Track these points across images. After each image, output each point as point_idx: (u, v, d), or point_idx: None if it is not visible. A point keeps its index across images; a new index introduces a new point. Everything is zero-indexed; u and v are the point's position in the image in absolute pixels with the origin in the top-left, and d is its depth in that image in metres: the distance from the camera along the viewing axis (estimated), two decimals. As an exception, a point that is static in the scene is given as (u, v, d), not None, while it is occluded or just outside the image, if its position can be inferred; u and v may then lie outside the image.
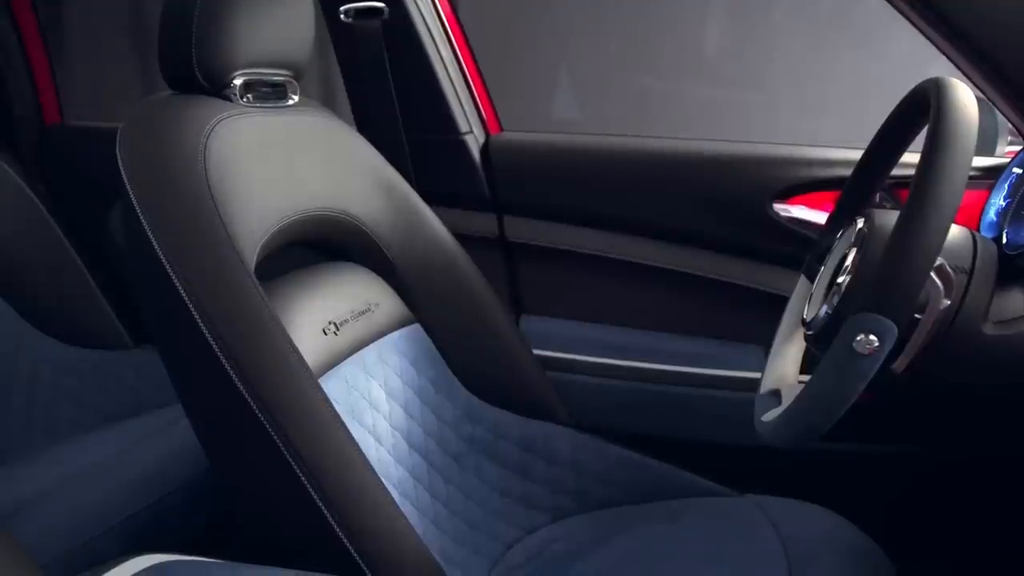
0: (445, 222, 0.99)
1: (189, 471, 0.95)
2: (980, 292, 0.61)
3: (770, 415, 0.68)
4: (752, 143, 1.07)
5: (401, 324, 0.93)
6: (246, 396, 0.65)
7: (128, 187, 0.70)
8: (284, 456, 0.65)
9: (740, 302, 1.04)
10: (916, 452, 0.99)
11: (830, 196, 0.98)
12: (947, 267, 0.59)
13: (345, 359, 0.82)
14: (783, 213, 1.01)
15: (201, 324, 0.66)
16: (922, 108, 0.63)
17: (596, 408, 1.05)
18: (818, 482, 0.94)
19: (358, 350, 0.85)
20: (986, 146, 1.00)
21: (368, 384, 0.85)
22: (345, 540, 0.65)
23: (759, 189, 1.01)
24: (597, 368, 1.08)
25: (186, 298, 0.66)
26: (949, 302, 0.59)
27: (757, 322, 0.97)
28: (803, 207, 1.00)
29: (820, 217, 0.98)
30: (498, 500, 0.96)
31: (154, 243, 0.68)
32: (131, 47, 1.57)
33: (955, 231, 0.65)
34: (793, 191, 1.00)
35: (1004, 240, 0.66)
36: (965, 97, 0.58)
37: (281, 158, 0.82)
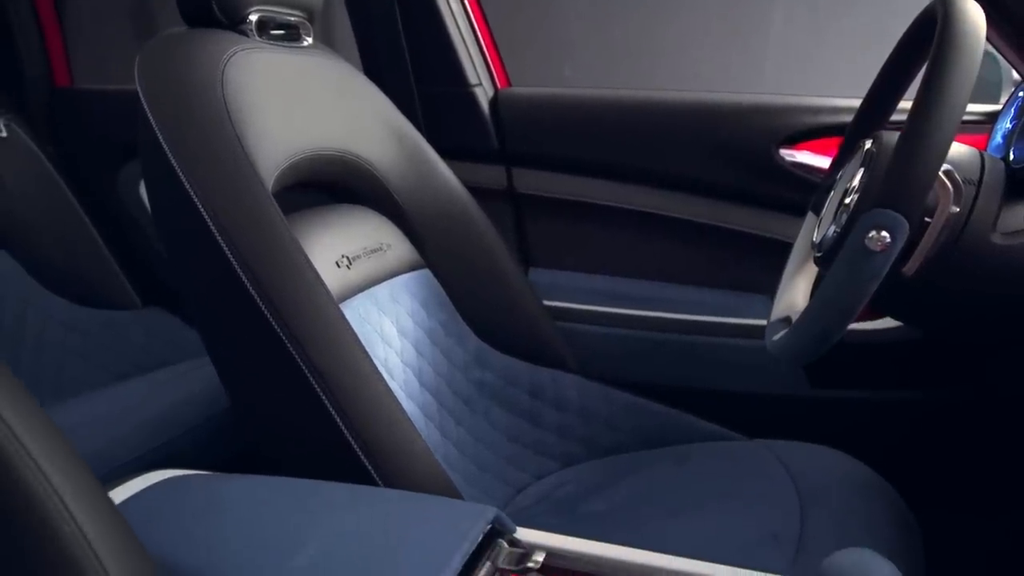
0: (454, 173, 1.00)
1: (200, 415, 0.96)
2: (988, 203, 0.62)
3: (781, 334, 0.68)
4: (757, 94, 1.08)
5: (412, 268, 0.94)
6: (265, 312, 0.65)
7: (148, 112, 0.71)
8: (302, 370, 0.65)
9: (747, 250, 1.05)
10: (926, 397, 0.99)
11: (835, 143, 0.99)
12: (955, 175, 0.60)
13: (358, 293, 0.83)
14: (788, 158, 1.02)
15: (220, 240, 0.66)
16: (931, 28, 0.64)
17: (604, 357, 1.06)
18: (827, 428, 0.94)
19: (371, 286, 0.85)
20: (990, 94, 1.01)
21: (380, 319, 0.85)
22: (362, 456, 0.66)
23: (764, 135, 1.02)
24: (605, 317, 1.09)
25: (207, 217, 0.67)
26: (958, 209, 0.60)
27: (764, 270, 0.98)
28: (808, 152, 1.01)
29: (825, 163, 0.99)
30: (508, 446, 0.97)
31: (175, 165, 0.69)
32: (141, 11, 1.59)
33: (962, 149, 0.66)
34: (798, 137, 1.01)
35: (1011, 157, 0.67)
36: (971, 4, 0.59)
37: (294, 96, 0.83)
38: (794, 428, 0.93)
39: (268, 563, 0.50)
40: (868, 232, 0.55)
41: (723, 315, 1.05)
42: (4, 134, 1.21)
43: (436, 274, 0.95)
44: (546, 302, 1.05)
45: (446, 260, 0.96)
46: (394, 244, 0.92)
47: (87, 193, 1.29)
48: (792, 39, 1.61)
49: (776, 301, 0.79)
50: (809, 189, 0.97)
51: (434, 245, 0.95)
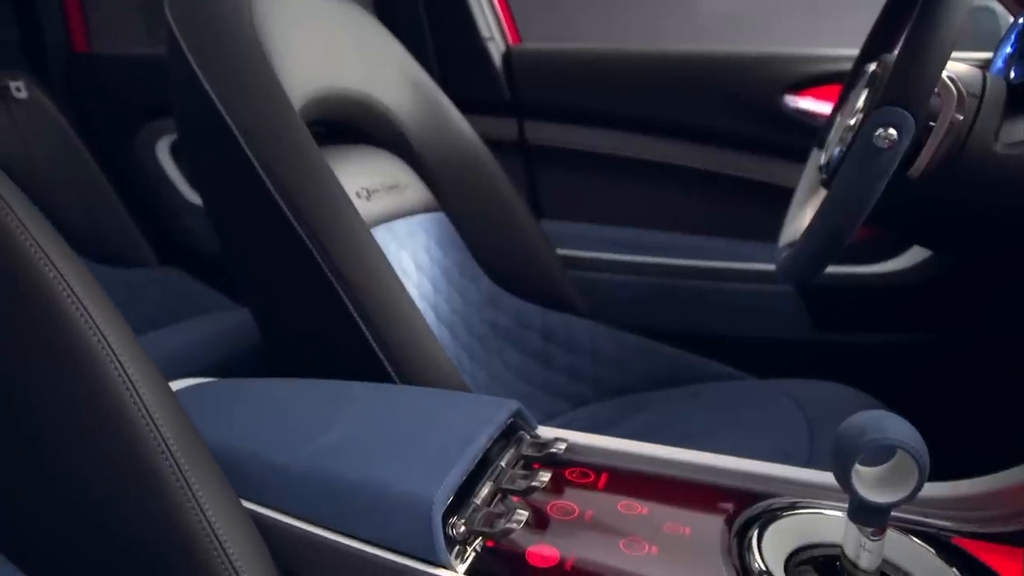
0: (466, 126, 1.02)
1: (220, 355, 0.98)
2: (990, 114, 0.64)
3: (790, 252, 0.70)
4: (761, 46, 1.10)
5: (427, 209, 0.96)
6: (294, 224, 0.67)
7: (182, 43, 0.73)
8: (329, 279, 0.67)
9: (754, 197, 1.07)
10: (929, 339, 1.01)
11: (838, 89, 1.01)
12: (959, 82, 0.62)
13: (377, 225, 0.85)
14: (792, 105, 1.04)
15: (252, 158, 0.68)
16: None
17: (614, 303, 1.08)
18: (832, 368, 0.96)
19: (389, 221, 0.88)
20: (988, 45, 1.03)
21: (399, 253, 0.88)
22: (386, 363, 0.67)
23: (769, 84, 1.04)
24: (615, 265, 1.11)
25: (240, 138, 0.69)
26: (962, 117, 0.62)
27: (770, 217, 1.00)
28: (812, 99, 1.03)
29: (829, 109, 1.01)
30: (521, 386, 0.99)
31: (209, 92, 0.71)
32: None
33: (964, 66, 0.68)
34: (803, 84, 1.04)
35: (1011, 76, 0.70)
36: None
37: (317, 33, 0.86)
38: (801, 369, 0.95)
39: (298, 442, 0.52)
40: (875, 131, 0.57)
41: (731, 261, 1.07)
42: (24, 95, 1.24)
43: (451, 218, 0.98)
44: (558, 250, 1.07)
45: (460, 205, 0.98)
46: (411, 185, 0.94)
47: (105, 155, 1.32)
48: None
49: (783, 230, 0.81)
50: (813, 134, 1.00)
51: (449, 190, 0.98)
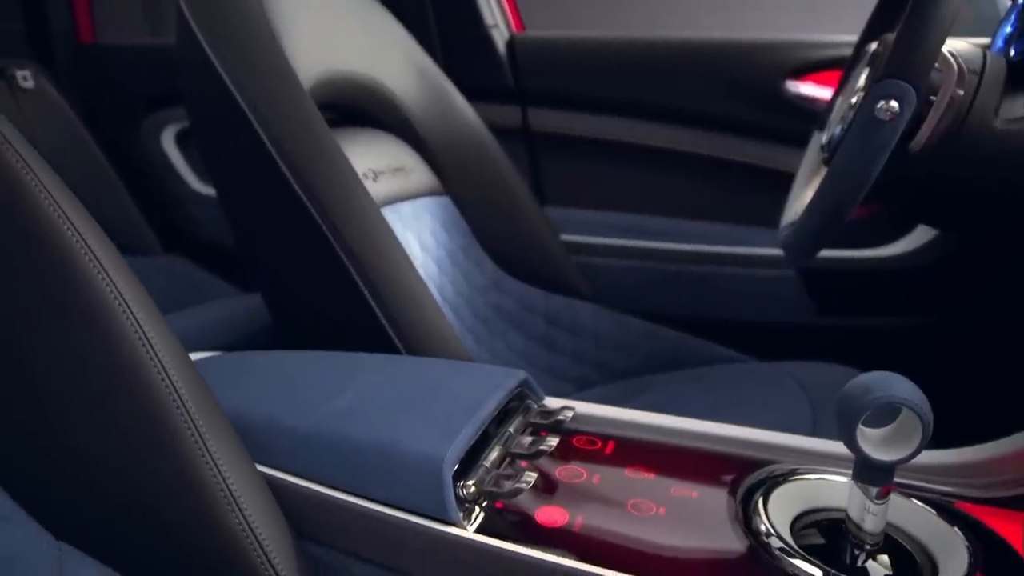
0: (470, 113, 1.03)
1: (224, 339, 0.98)
2: (990, 90, 0.65)
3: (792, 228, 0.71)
4: (763, 32, 1.11)
5: (432, 193, 0.97)
6: (303, 198, 0.68)
7: (189, 17, 0.73)
8: (338, 254, 0.68)
9: (756, 183, 1.08)
10: (930, 323, 1.02)
11: (839, 75, 1.02)
12: (959, 58, 0.63)
13: (384, 206, 0.86)
14: (794, 90, 1.05)
15: (256, 126, 0.68)
16: None
17: (618, 288, 1.09)
18: (835, 352, 0.97)
19: (395, 202, 0.89)
20: (988, 32, 1.04)
21: (405, 234, 0.88)
22: (396, 339, 0.68)
23: (771, 70, 1.05)
24: (618, 250, 1.12)
25: (249, 114, 0.69)
26: (962, 93, 0.63)
27: (772, 203, 1.01)
28: (813, 84, 1.04)
29: (830, 94, 1.02)
30: (526, 369, 0.98)
31: (220, 71, 0.71)
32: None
33: (964, 44, 0.69)
34: (804, 69, 1.04)
35: (1011, 54, 0.70)
36: None
37: (324, 17, 0.87)
38: (803, 353, 0.96)
39: (309, 407, 0.53)
40: (877, 103, 0.58)
41: (734, 246, 1.07)
42: (31, 84, 1.25)
43: (455, 202, 0.99)
44: (562, 237, 1.08)
45: (464, 190, 0.99)
46: (416, 168, 0.95)
47: (111, 144, 1.33)
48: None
49: (785, 211, 0.82)
50: (815, 119, 1.01)
51: (453, 175, 0.99)
